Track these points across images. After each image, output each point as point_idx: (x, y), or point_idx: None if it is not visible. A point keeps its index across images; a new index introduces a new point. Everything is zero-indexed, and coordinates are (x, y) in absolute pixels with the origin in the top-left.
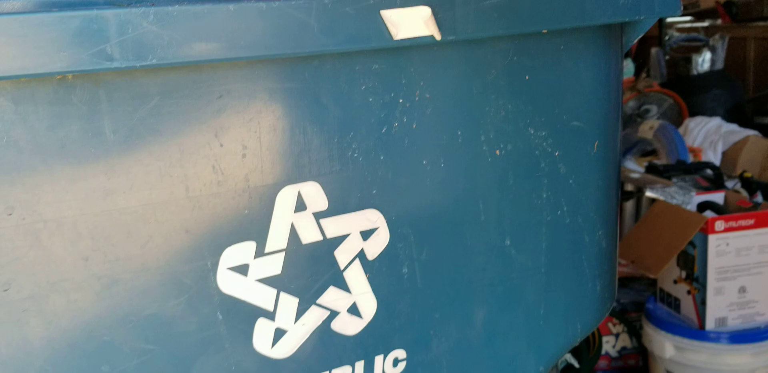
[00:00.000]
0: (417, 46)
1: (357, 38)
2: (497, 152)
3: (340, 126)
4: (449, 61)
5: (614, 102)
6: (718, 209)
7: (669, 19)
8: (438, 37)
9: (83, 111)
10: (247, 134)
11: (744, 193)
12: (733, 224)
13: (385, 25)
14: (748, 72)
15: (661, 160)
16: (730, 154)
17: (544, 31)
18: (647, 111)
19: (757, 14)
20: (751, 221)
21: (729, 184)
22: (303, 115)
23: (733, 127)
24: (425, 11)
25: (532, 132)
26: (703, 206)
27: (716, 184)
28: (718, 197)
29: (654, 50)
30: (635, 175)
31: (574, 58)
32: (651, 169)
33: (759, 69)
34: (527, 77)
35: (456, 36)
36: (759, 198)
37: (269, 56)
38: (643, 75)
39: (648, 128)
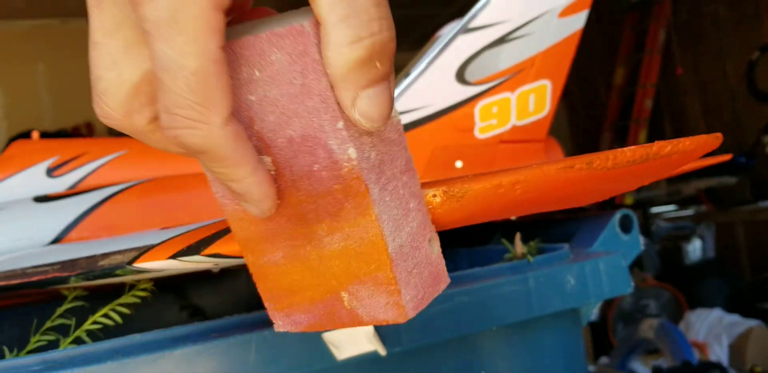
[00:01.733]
0: (363, 360)
1: (299, 365)
2: None
3: None
4: (400, 369)
5: None
6: None
7: (654, 209)
8: (383, 352)
9: None
10: None
11: None
12: None
13: (327, 347)
14: (741, 256)
15: (666, 361)
16: (736, 347)
17: (494, 328)
18: (645, 306)
19: (740, 198)
20: None
21: None
22: None
23: (735, 318)
24: (367, 329)
25: None
26: None
27: None
28: None
29: (643, 242)
30: None
31: (530, 346)
32: None
33: (752, 253)
34: None
35: (402, 347)
36: None
37: None
38: (636, 270)
39: (648, 327)
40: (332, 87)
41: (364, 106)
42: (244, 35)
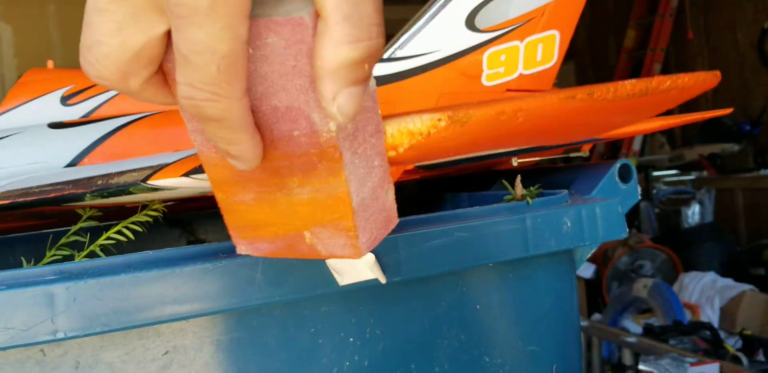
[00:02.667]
0: (364, 287)
1: (303, 288)
2: None
3: (289, 370)
4: (398, 298)
5: (570, 322)
6: None
7: (656, 173)
8: (383, 281)
9: None
10: None
11: (743, 358)
12: None
13: (330, 272)
14: (739, 223)
15: (658, 319)
16: (728, 310)
17: (490, 264)
18: (641, 267)
19: (742, 166)
20: None
21: (730, 341)
22: (251, 363)
23: (729, 282)
24: (369, 257)
25: (488, 360)
26: None
27: (714, 345)
28: (713, 369)
29: (643, 205)
30: (632, 340)
31: (525, 284)
32: (648, 331)
33: (750, 219)
34: (478, 307)
35: (401, 277)
36: (761, 356)
37: (217, 312)
38: (634, 230)
39: (642, 287)
40: (317, 78)
41: (343, 102)
42: None
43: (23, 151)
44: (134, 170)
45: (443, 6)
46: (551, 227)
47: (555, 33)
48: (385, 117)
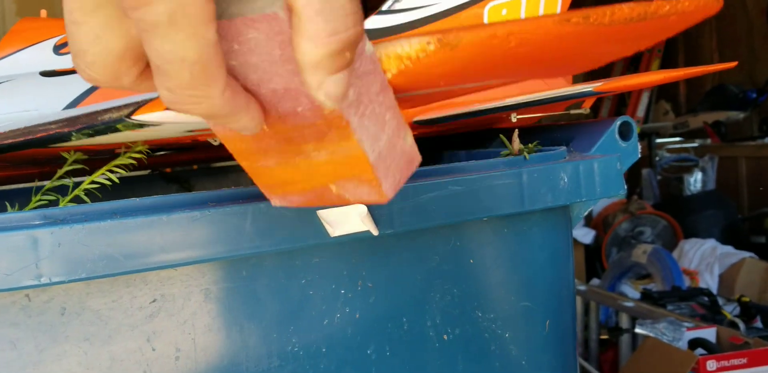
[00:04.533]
0: (356, 239)
1: (294, 238)
2: (444, 337)
3: (279, 321)
4: (391, 250)
5: (564, 279)
6: (710, 347)
7: (659, 140)
8: (375, 232)
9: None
10: (182, 337)
11: (740, 323)
12: (725, 363)
13: (322, 224)
14: (741, 191)
15: (656, 285)
16: (727, 277)
17: (485, 218)
18: (641, 233)
19: (746, 134)
20: (744, 360)
21: (728, 308)
22: (240, 313)
23: (729, 249)
24: (361, 209)
25: (480, 315)
26: (694, 343)
27: (712, 311)
28: (710, 333)
29: (645, 171)
30: (629, 305)
31: (519, 239)
32: (646, 296)
33: (752, 188)
34: (472, 261)
35: (394, 229)
36: (758, 323)
37: (205, 261)
38: (635, 197)
39: (641, 252)
40: (300, 70)
41: (330, 88)
42: (218, 19)
43: (14, 99)
44: (119, 107)
45: None
46: (548, 182)
47: None
48: (375, 42)
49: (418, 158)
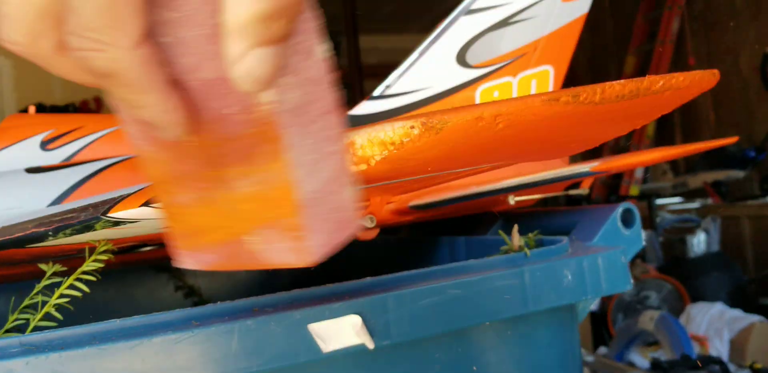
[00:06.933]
0: (350, 353)
1: (284, 356)
2: None
3: None
4: (388, 363)
5: None
6: None
7: (659, 201)
8: (371, 345)
9: None
10: None
11: None
12: None
13: (313, 339)
14: (746, 251)
15: (665, 353)
16: (737, 342)
17: (487, 323)
18: (646, 298)
19: (747, 193)
20: None
21: None
22: None
23: (737, 313)
24: (355, 320)
25: None
26: None
27: None
28: None
29: (647, 234)
30: None
31: (524, 342)
32: (655, 366)
33: (757, 248)
34: (475, 368)
35: (391, 340)
36: None
37: None
38: (638, 260)
39: (648, 319)
40: (223, 36)
41: (252, 64)
42: None
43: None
44: (95, 204)
45: (433, 42)
46: (551, 281)
47: (549, 68)
48: (358, 128)
49: (356, 225)
